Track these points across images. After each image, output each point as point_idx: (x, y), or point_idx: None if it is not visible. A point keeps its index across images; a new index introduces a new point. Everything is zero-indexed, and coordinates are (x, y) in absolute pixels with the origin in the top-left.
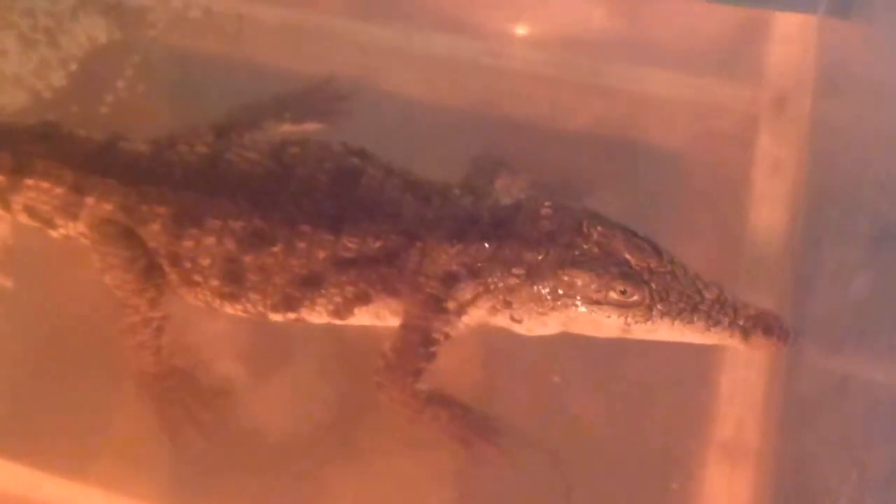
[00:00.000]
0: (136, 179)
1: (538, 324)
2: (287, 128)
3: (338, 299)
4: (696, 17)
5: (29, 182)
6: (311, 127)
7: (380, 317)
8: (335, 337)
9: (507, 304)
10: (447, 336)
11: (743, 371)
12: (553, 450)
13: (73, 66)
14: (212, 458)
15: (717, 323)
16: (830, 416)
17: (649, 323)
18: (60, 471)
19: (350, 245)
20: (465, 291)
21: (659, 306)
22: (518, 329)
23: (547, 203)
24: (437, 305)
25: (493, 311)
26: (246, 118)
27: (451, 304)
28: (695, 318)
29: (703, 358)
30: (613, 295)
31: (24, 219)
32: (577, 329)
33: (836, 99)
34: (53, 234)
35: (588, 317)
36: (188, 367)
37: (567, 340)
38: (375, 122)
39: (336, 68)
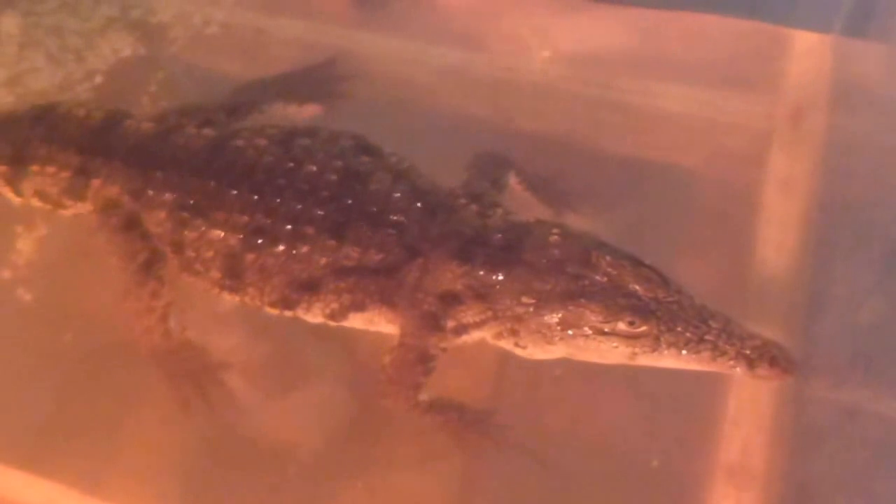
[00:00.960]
0: (143, 163)
1: (542, 351)
2: (292, 109)
3: (334, 305)
4: (712, 33)
5: (34, 168)
6: (314, 108)
7: (373, 323)
8: (349, 351)
9: (514, 332)
10: (444, 350)
11: (750, 392)
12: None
13: (99, 80)
14: (226, 472)
15: (723, 353)
16: (839, 442)
17: (656, 353)
18: (75, 484)
19: (352, 254)
20: (469, 314)
21: (666, 336)
22: (520, 353)
23: (555, 230)
24: (433, 323)
25: (499, 336)
26: (251, 98)
27: (449, 323)
28: (701, 349)
29: (709, 378)
30: (622, 326)
31: (36, 202)
32: (582, 357)
33: (851, 117)
34: (64, 213)
35: (595, 346)
36: (197, 342)
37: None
38: (387, 133)
39: (351, 81)
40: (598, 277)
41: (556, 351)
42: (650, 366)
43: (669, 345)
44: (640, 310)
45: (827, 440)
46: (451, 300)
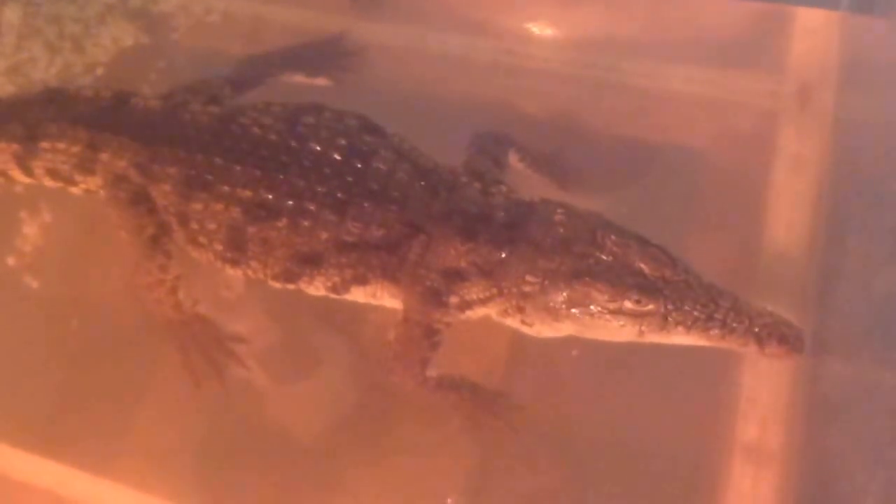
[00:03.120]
0: (149, 138)
1: (549, 329)
2: (298, 79)
3: (336, 278)
4: (716, 11)
5: (45, 145)
6: (321, 81)
7: (376, 297)
8: (360, 336)
9: (520, 310)
10: (449, 325)
11: (766, 369)
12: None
13: (100, 71)
14: (235, 456)
15: (732, 331)
16: (856, 416)
17: (664, 331)
18: (87, 467)
19: (353, 230)
20: (474, 290)
21: (674, 315)
22: (527, 331)
23: (560, 209)
24: (436, 299)
25: (504, 313)
26: (258, 71)
27: (453, 299)
28: (710, 326)
29: (725, 356)
30: (628, 304)
31: (47, 182)
32: (590, 334)
33: (859, 93)
34: (75, 190)
35: (602, 324)
36: (208, 315)
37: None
38: (389, 119)
39: (356, 57)
40: (603, 256)
41: (563, 328)
42: (660, 343)
43: (677, 323)
44: (647, 288)
45: (845, 414)
46: (454, 276)
